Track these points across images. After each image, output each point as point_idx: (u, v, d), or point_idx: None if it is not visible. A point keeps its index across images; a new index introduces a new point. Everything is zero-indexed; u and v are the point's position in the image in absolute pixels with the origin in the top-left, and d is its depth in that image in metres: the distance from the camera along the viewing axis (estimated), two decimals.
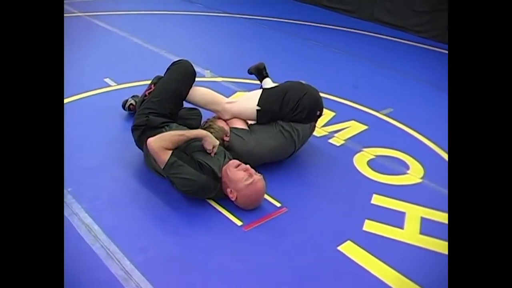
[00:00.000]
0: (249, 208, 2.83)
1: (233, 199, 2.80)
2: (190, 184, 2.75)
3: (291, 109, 3.21)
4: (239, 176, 2.76)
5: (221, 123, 3.30)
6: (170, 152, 2.79)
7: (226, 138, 3.19)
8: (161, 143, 2.79)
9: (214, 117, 3.42)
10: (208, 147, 2.89)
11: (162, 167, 2.81)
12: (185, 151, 2.85)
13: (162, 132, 2.97)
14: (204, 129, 3.23)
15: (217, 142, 2.96)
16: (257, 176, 2.79)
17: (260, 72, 3.86)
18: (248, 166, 2.83)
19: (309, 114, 3.26)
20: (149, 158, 3.03)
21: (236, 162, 2.86)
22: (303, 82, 3.48)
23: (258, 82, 3.94)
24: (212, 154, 2.89)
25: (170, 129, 3.02)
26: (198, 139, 2.92)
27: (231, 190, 2.77)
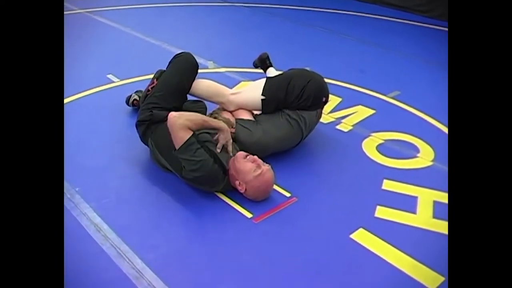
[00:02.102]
0: (258, 200, 2.80)
1: (242, 191, 2.77)
2: (201, 169, 2.71)
3: (296, 97, 3.17)
4: (248, 167, 2.72)
5: (226, 115, 3.26)
6: (191, 132, 2.75)
7: (232, 130, 3.15)
8: (184, 121, 2.73)
9: (219, 109, 3.38)
10: (222, 141, 2.86)
11: (179, 146, 2.74)
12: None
13: (167, 125, 2.95)
14: None
15: (231, 140, 2.93)
16: (266, 167, 2.76)
17: (263, 62, 3.82)
18: (255, 157, 2.80)
19: (314, 101, 3.21)
20: (155, 153, 3.00)
21: (244, 153, 2.82)
22: (308, 68, 3.43)
23: (261, 71, 3.90)
24: (219, 150, 2.85)
25: None
26: (210, 132, 2.91)
27: (239, 182, 2.74)
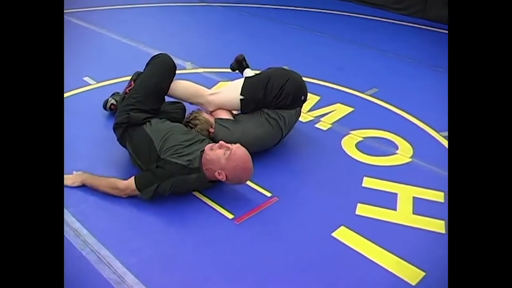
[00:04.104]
0: (244, 180, 2.79)
1: (224, 179, 2.71)
2: (175, 189, 2.73)
3: (275, 96, 3.17)
4: (218, 154, 2.68)
5: (206, 115, 3.25)
6: (134, 189, 2.73)
7: (212, 130, 3.14)
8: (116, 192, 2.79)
9: (198, 109, 3.36)
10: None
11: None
12: (160, 155, 2.80)
13: (143, 128, 2.94)
14: (189, 121, 3.18)
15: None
16: (234, 146, 2.72)
17: (240, 64, 3.81)
18: (221, 142, 2.76)
19: (293, 100, 3.21)
20: (133, 158, 2.98)
21: (210, 145, 2.78)
22: (286, 67, 3.43)
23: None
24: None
25: (151, 125, 2.96)
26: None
27: (218, 172, 2.69)
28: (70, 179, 2.86)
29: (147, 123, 2.98)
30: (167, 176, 2.68)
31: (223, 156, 2.66)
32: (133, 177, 2.74)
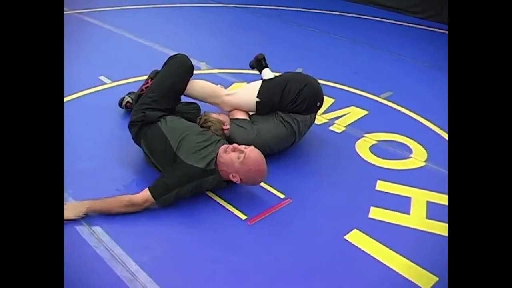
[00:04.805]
0: (259, 182, 2.81)
1: (238, 182, 2.73)
2: (197, 192, 2.77)
3: (291, 101, 3.17)
4: (232, 157, 2.70)
5: (215, 115, 3.25)
6: (150, 198, 2.66)
7: (226, 127, 3.15)
8: (124, 209, 2.66)
9: (205, 112, 3.34)
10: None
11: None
12: (177, 152, 2.80)
13: (158, 125, 2.95)
14: (202, 124, 3.18)
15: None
16: (248, 149, 2.73)
17: (259, 63, 3.81)
18: (235, 144, 2.78)
19: (309, 105, 3.21)
20: (148, 156, 2.99)
21: (223, 147, 2.80)
22: (300, 70, 3.43)
23: (253, 71, 3.89)
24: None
25: (166, 123, 2.98)
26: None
27: (232, 175, 2.72)
28: (70, 211, 2.57)
29: (162, 120, 3.00)
30: (186, 180, 2.69)
31: (237, 159, 2.68)
32: (146, 189, 2.69)
